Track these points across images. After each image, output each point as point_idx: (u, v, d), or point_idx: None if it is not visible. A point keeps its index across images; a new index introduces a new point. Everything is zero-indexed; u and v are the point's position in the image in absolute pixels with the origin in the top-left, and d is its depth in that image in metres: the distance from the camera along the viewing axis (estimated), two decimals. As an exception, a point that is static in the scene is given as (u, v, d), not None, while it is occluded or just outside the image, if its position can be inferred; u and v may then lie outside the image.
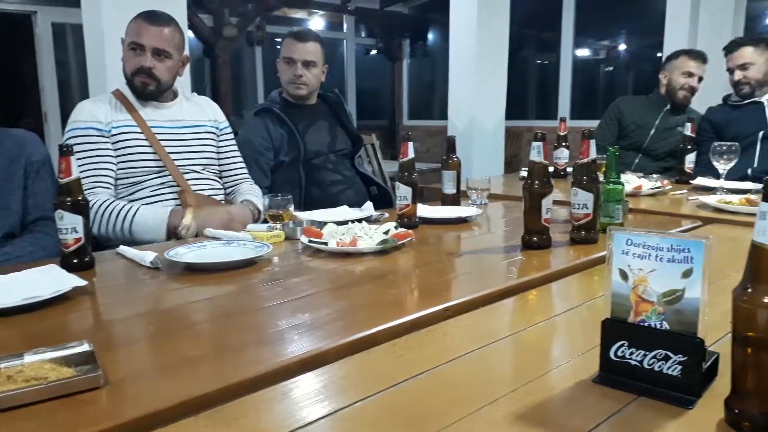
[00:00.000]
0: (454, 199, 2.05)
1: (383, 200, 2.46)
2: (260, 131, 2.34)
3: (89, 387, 0.73)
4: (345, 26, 7.73)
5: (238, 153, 2.16)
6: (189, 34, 4.76)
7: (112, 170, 1.85)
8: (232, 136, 2.17)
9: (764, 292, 0.61)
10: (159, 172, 1.89)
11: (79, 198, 1.29)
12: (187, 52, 2.02)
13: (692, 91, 3.02)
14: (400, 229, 1.54)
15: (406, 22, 7.69)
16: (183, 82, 2.23)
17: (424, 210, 1.86)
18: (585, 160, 1.48)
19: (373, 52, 8.06)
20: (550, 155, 2.63)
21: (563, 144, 2.77)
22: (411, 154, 1.72)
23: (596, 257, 1.38)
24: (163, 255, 1.34)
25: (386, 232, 1.50)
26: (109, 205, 1.77)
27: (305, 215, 1.83)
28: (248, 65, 7.15)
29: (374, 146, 3.15)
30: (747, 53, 2.75)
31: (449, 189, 2.05)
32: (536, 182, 1.44)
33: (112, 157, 1.85)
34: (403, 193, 1.71)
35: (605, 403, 0.71)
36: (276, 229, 1.62)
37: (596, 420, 0.67)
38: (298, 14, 7.31)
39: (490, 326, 1.01)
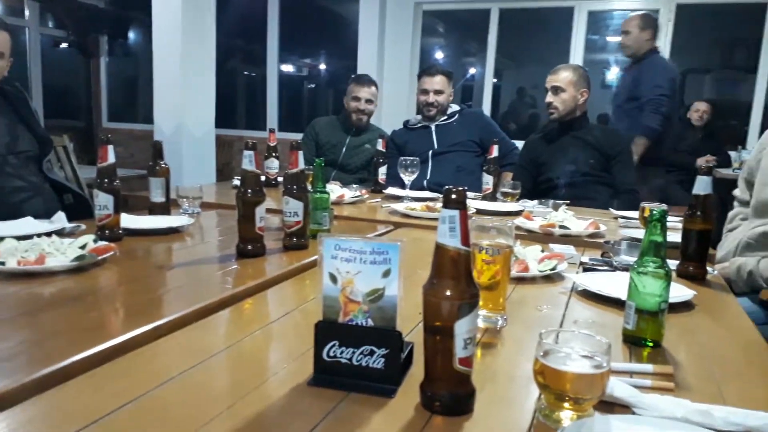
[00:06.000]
0: (164, 208, 1.93)
1: (79, 210, 2.18)
2: None
3: None
4: (27, 12, 6.68)
5: None
6: None
7: None
8: None
9: (447, 285, 0.71)
10: None
11: None
12: None
13: (363, 112, 3.35)
14: (101, 243, 1.39)
15: (103, 17, 6.99)
16: None
17: (128, 220, 1.71)
18: (294, 171, 1.53)
19: (64, 45, 7.14)
20: (261, 165, 2.68)
21: (273, 154, 2.84)
22: (111, 159, 1.56)
23: (308, 262, 1.44)
24: None
25: (83, 247, 1.34)
26: None
27: (-27, 230, 1.52)
28: None
29: (67, 149, 2.79)
30: (443, 81, 3.22)
31: (157, 197, 1.93)
32: (249, 191, 1.45)
33: None
34: (103, 201, 1.55)
35: (320, 403, 0.74)
36: (-70, 248, 1.31)
37: (313, 422, 0.69)
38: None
39: (206, 341, 0.97)
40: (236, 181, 2.67)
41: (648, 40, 3.62)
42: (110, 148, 1.56)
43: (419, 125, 3.29)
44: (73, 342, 0.90)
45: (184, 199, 2.04)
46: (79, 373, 0.80)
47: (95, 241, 1.40)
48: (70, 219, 1.72)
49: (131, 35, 7.31)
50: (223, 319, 1.09)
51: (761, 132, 2.05)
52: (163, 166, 1.93)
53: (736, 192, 2.05)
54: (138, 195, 2.29)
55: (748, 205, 1.90)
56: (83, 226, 1.68)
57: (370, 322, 0.78)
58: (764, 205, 1.79)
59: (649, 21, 3.67)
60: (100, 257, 1.33)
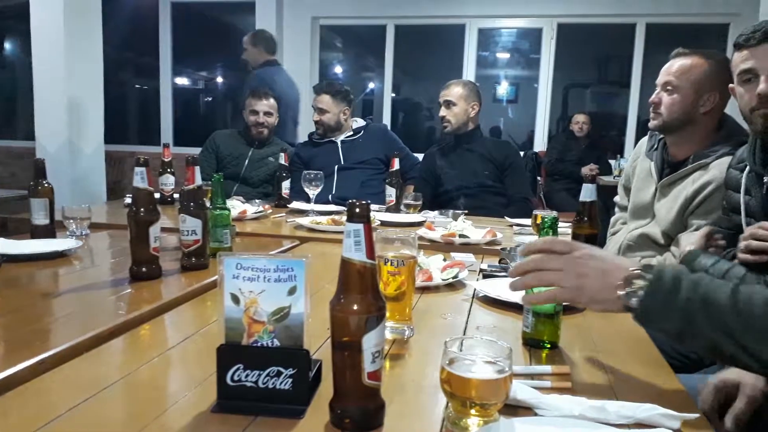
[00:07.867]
0: (48, 231, 1.79)
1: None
2: None
3: None
4: None
5: None
6: None
7: None
8: None
9: (354, 300, 0.71)
10: None
11: None
12: None
13: (263, 125, 3.29)
14: (-27, 272, 1.27)
15: (-26, 26, 6.45)
16: None
17: (8, 245, 1.58)
18: (191, 187, 1.48)
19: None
20: (155, 181, 2.56)
21: (168, 170, 2.73)
22: (-16, 181, 1.43)
23: (208, 282, 1.39)
24: None
25: (-48, 278, 1.21)
26: None
27: None
28: None
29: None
30: (325, 100, 3.19)
31: (40, 219, 1.79)
32: (142, 209, 1.38)
33: None
34: (-26, 227, 1.41)
35: (225, 430, 0.71)
36: None
37: (218, 449, 0.66)
38: None
39: (98, 372, 0.91)
40: (128, 200, 2.53)
41: (261, 54, 4.16)
42: (-17, 167, 1.44)
43: (326, 140, 3.27)
44: (-58, 384, 0.81)
45: (71, 221, 1.91)
46: (-51, 418, 0.72)
47: (-33, 270, 1.27)
48: (-65, 247, 1.56)
49: (7, 45, 6.79)
50: (116, 347, 1.02)
51: (636, 141, 2.23)
52: (45, 185, 1.80)
53: (617, 198, 2.21)
54: (19, 217, 2.12)
55: (627, 209, 2.06)
56: (-48, 254, 1.53)
57: (276, 342, 0.76)
58: (640, 208, 1.95)
59: (259, 38, 4.22)
60: (-28, 288, 1.21)
